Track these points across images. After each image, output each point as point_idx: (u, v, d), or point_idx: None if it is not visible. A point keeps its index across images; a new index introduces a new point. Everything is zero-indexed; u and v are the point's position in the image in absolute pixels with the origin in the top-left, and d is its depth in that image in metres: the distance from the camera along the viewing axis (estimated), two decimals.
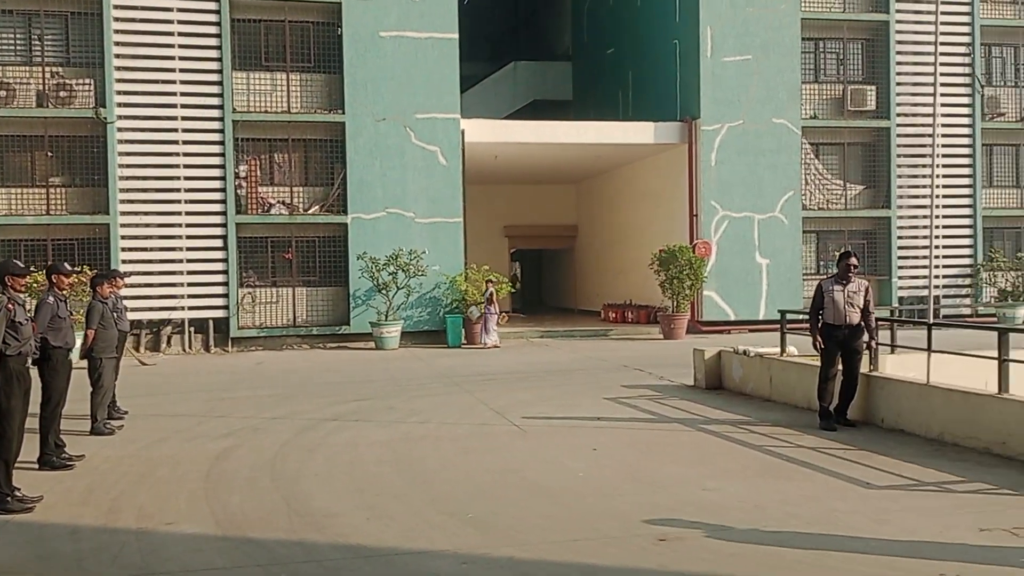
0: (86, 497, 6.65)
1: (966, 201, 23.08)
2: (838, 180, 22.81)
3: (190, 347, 19.32)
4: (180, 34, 19.22)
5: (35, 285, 15.12)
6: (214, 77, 19.33)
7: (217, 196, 19.41)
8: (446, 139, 20.33)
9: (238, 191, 19.81)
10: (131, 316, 13.53)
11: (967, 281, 23.12)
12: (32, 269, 13.30)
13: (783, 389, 10.53)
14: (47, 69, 18.83)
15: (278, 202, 20.32)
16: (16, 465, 6.51)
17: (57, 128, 18.94)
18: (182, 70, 19.20)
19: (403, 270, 19.62)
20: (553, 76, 31.24)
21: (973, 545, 5.13)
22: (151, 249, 19.19)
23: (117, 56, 18.86)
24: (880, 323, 9.67)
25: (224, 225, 19.46)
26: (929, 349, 8.81)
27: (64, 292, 8.23)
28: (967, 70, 23.06)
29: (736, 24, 21.57)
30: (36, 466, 7.50)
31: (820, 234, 22.84)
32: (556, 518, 5.89)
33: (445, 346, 19.48)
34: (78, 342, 8.66)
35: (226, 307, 19.44)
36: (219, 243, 19.46)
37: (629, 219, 26.19)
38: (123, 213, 18.91)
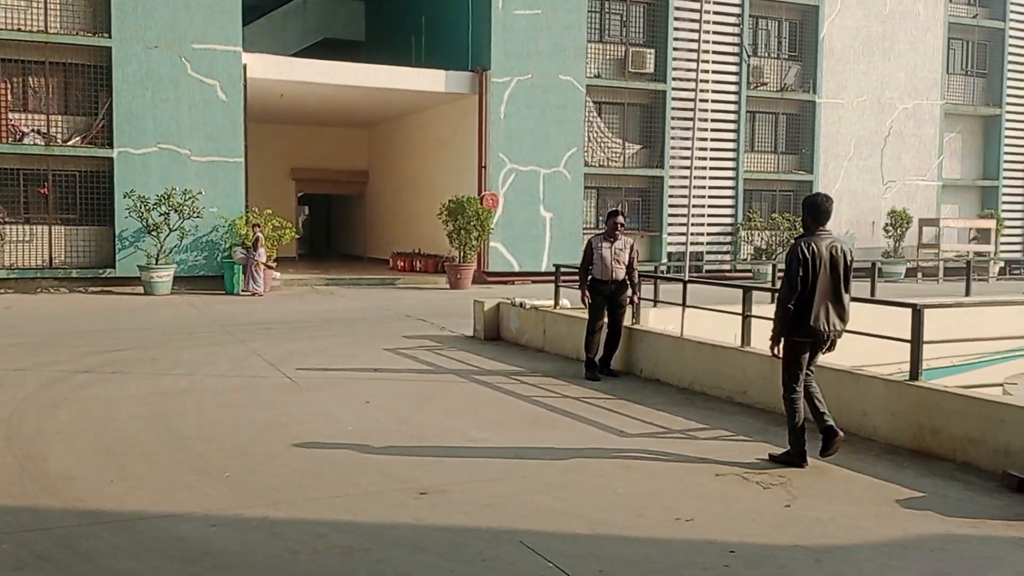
0: None
1: (730, 164, 24.78)
2: (618, 139, 23.75)
3: None
4: None
5: None
6: None
7: None
8: (226, 73, 19.22)
9: None
10: None
11: (728, 239, 24.93)
12: None
13: (555, 340, 10.91)
14: None
15: (32, 131, 18.49)
16: None
17: None
18: None
19: (177, 211, 18.50)
20: (345, 14, 30.25)
21: (708, 491, 5.54)
22: None
23: None
24: (643, 278, 10.20)
25: None
26: (684, 304, 9.41)
27: None
28: (736, 40, 24.56)
29: None
30: None
31: (600, 190, 23.77)
32: (318, 474, 5.79)
33: (223, 293, 18.64)
34: None
35: None
36: None
37: (420, 167, 26.05)
38: None
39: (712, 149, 24.32)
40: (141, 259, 18.52)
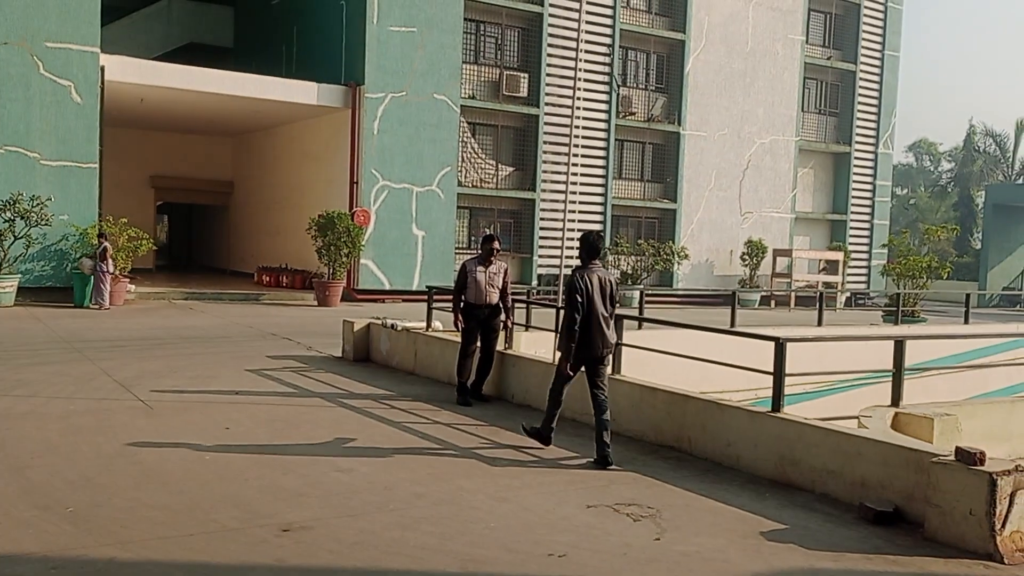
0: None
1: (599, 190, 25.34)
2: (491, 160, 23.89)
3: None
4: None
5: None
6: None
7: None
8: (82, 74, 18.19)
9: None
10: None
11: None
12: None
13: (427, 363, 10.75)
14: None
15: None
16: None
17: None
18: None
19: (23, 217, 17.31)
20: (212, 19, 29.25)
21: (580, 524, 5.51)
22: None
23: None
24: (516, 302, 10.20)
25: None
26: (557, 330, 9.43)
27: None
28: (607, 69, 25.20)
29: None
30: None
31: (473, 210, 23.82)
32: (171, 508, 5.43)
33: (72, 306, 17.53)
34: None
35: None
36: None
37: (288, 180, 25.40)
38: None
39: (583, 175, 24.80)
40: None
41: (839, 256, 29.14)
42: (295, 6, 25.08)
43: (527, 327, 11.42)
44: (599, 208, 25.38)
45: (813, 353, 11.87)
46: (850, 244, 30.56)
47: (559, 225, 24.02)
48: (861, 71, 30.55)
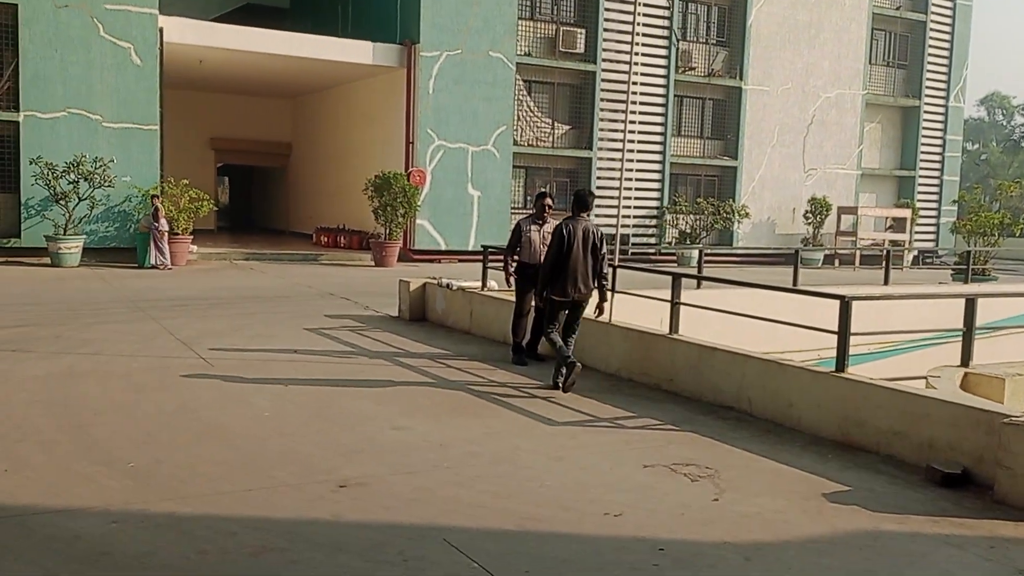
0: None
1: (657, 148, 24.87)
2: (547, 118, 23.60)
3: None
4: None
5: None
6: None
7: None
8: (141, 36, 18.36)
9: None
10: None
11: (653, 223, 25.07)
12: None
13: (482, 322, 10.72)
14: None
15: None
16: None
17: None
18: None
19: (86, 179, 17.65)
20: None
21: (636, 484, 5.43)
22: None
23: None
24: None
25: None
26: (613, 289, 9.29)
27: None
28: (666, 23, 24.60)
29: None
30: None
31: (529, 170, 23.60)
32: (230, 464, 5.49)
33: (135, 266, 17.88)
34: None
35: None
36: None
37: (345, 141, 25.47)
38: None
39: (640, 132, 24.36)
40: (48, 229, 17.65)
41: (907, 213, 28.27)
42: None
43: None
44: (657, 166, 24.95)
45: (879, 312, 11.53)
46: (918, 201, 29.60)
47: (616, 184, 23.78)
48: (932, 21, 29.34)
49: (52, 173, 17.34)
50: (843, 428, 6.40)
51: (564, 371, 7.69)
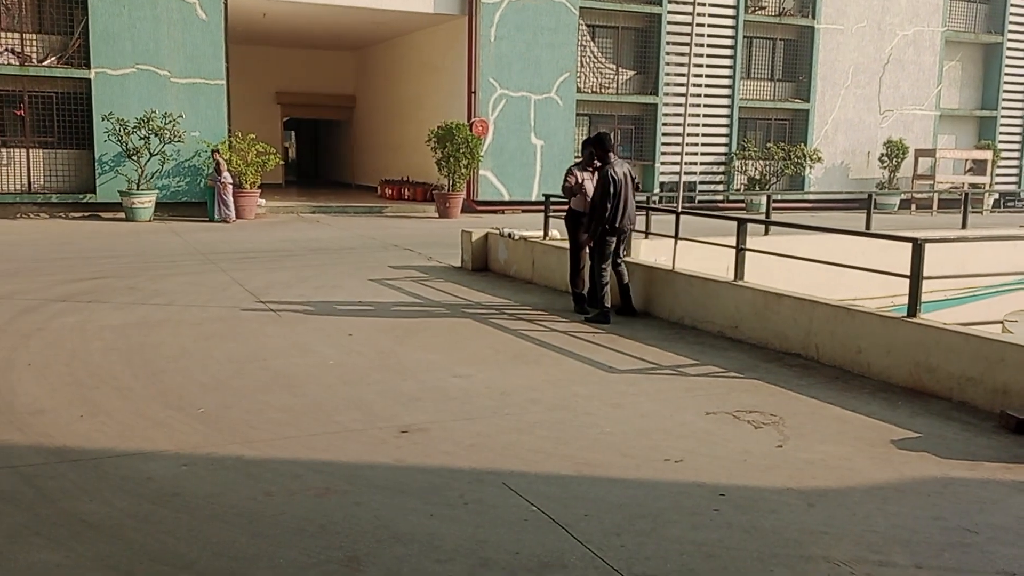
0: None
1: (726, 91, 24.25)
2: (611, 64, 23.17)
3: None
4: None
5: None
6: None
7: None
8: None
9: None
10: None
11: (721, 169, 24.55)
12: None
13: (544, 272, 10.68)
14: None
15: (6, 50, 17.86)
16: None
17: None
18: None
19: (157, 135, 18.03)
20: None
21: (698, 430, 5.38)
22: None
23: None
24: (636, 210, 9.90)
25: None
26: (676, 236, 9.16)
27: None
28: None
29: None
30: None
31: (592, 117, 23.27)
32: (296, 411, 5.61)
33: (206, 220, 18.27)
34: None
35: None
36: None
37: (408, 92, 25.45)
38: None
39: (708, 76, 23.77)
40: (122, 184, 18.12)
41: (988, 155, 27.13)
42: None
43: (647, 234, 11.14)
44: (725, 111, 24.35)
45: (955, 257, 11.16)
46: (1000, 142, 28.36)
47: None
48: None
49: (124, 129, 17.74)
50: (914, 374, 6.22)
51: (597, 315, 8.54)
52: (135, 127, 17.84)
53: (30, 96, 18.08)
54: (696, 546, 3.81)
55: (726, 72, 24.18)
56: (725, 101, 24.30)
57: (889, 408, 5.84)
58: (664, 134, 23.52)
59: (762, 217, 15.10)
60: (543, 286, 10.58)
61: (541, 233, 11.24)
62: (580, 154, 9.22)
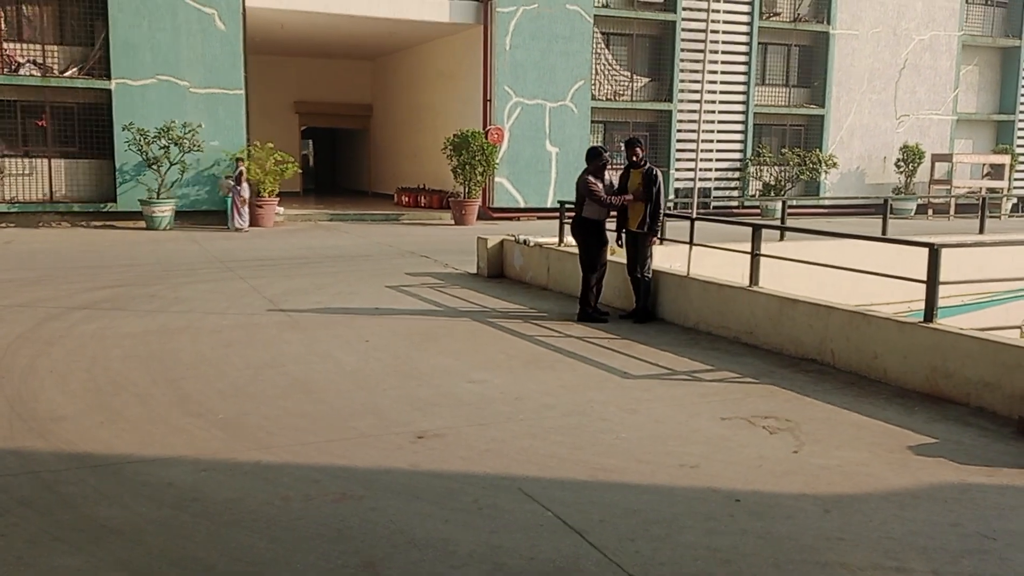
0: None
1: (740, 98, 24.21)
2: (626, 71, 23.20)
3: None
4: None
5: None
6: None
7: None
8: (224, 1, 18.73)
9: None
10: None
11: (736, 175, 24.50)
12: None
13: (560, 278, 10.71)
14: None
15: (28, 61, 18.10)
16: None
17: None
18: None
19: (176, 144, 18.20)
20: None
21: (713, 436, 5.39)
22: None
23: None
24: None
25: None
26: (691, 242, 9.16)
27: None
28: None
29: None
30: None
31: (608, 124, 23.30)
32: (314, 416, 5.66)
33: (225, 228, 18.42)
34: None
35: None
36: None
37: (424, 101, 25.56)
38: None
39: (722, 82, 23.76)
40: (142, 193, 18.30)
41: (1005, 160, 26.93)
42: None
43: (661, 240, 11.13)
44: (740, 117, 24.30)
45: (973, 262, 11.09)
46: (1018, 147, 28.16)
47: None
48: None
49: (144, 139, 17.92)
50: (931, 379, 6.20)
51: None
52: (155, 137, 18.02)
53: (51, 107, 18.30)
54: (711, 552, 3.82)
55: (741, 78, 24.15)
56: (740, 107, 24.26)
57: (906, 413, 5.83)
58: (679, 140, 23.50)
59: (777, 223, 15.06)
60: (558, 292, 10.60)
61: (556, 240, 11.27)
62: (587, 162, 9.11)
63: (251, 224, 18.49)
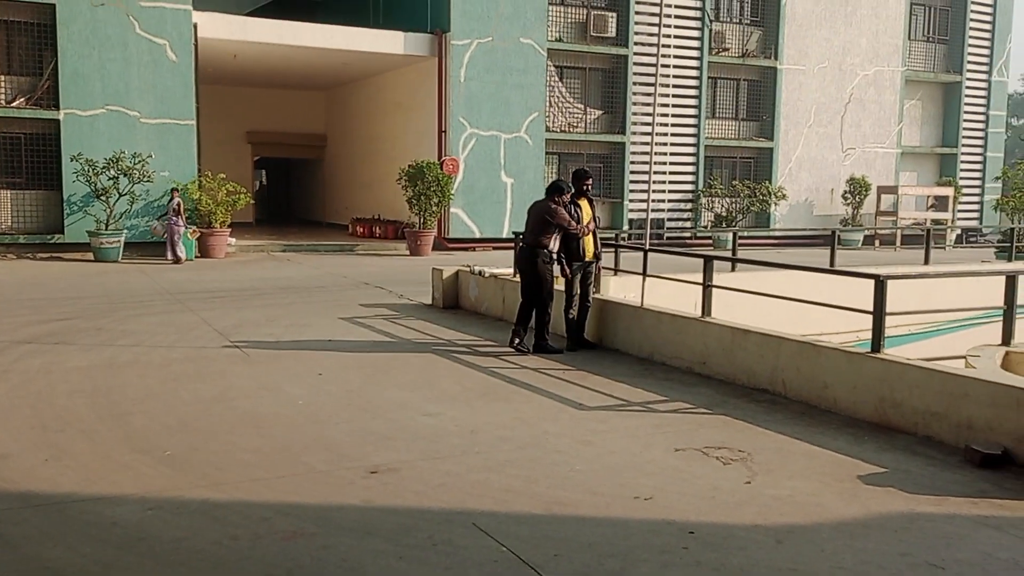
0: None
1: (691, 130, 24.64)
2: (579, 104, 23.48)
3: None
4: None
5: None
6: None
7: None
8: (176, 32, 18.59)
9: None
10: None
11: (689, 206, 24.85)
12: None
13: (515, 309, 10.59)
14: None
15: None
16: None
17: None
18: None
19: (126, 175, 17.94)
20: None
21: (667, 467, 5.40)
22: None
23: None
24: (604, 246, 10.00)
25: None
26: (644, 273, 9.25)
27: None
28: (699, 4, 24.31)
29: None
30: None
31: (562, 156, 23.52)
32: (264, 452, 5.56)
33: (175, 260, 18.10)
34: None
35: None
36: None
37: (379, 131, 25.58)
38: None
39: (674, 115, 24.17)
40: (90, 224, 17.98)
41: (949, 191, 27.72)
42: None
43: (616, 271, 11.23)
44: (692, 149, 24.71)
45: (919, 292, 11.35)
46: (961, 179, 29.00)
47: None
48: None
49: (92, 170, 17.65)
50: (879, 409, 6.30)
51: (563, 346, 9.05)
52: (104, 167, 17.75)
53: None
54: None
55: (692, 111, 24.59)
56: (691, 140, 24.68)
57: (855, 443, 5.91)
58: (632, 172, 23.80)
59: (728, 254, 15.29)
60: (513, 323, 10.57)
61: (511, 270, 11.29)
62: (547, 195, 9.10)
63: (202, 255, 18.22)
